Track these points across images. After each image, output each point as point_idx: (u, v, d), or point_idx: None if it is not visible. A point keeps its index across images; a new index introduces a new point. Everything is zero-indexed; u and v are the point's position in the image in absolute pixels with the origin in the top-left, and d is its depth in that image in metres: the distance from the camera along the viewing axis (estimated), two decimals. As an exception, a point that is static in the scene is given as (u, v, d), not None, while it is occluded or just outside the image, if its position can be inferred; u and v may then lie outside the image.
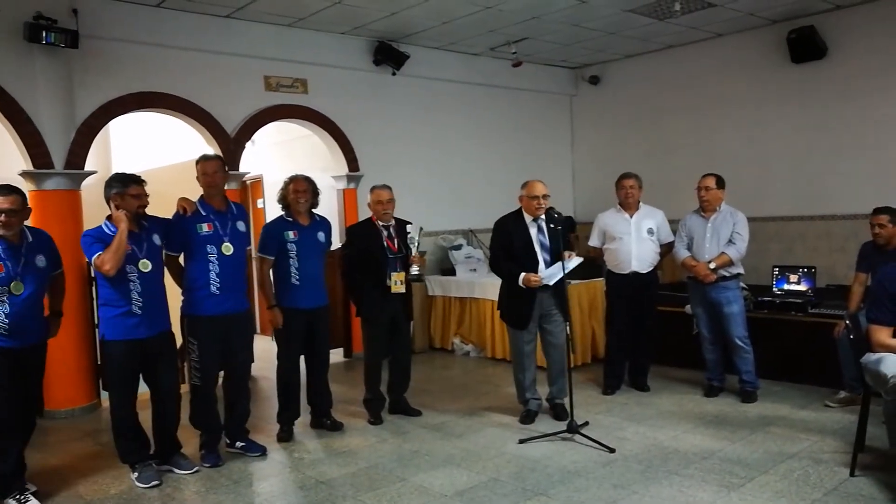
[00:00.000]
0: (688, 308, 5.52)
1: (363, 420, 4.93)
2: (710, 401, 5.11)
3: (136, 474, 3.97)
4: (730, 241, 5.02)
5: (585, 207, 8.67)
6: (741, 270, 5.11)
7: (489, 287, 6.75)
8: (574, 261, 4.50)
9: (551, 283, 4.52)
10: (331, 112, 6.95)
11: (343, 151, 7.06)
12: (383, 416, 4.97)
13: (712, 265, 4.98)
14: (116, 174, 3.96)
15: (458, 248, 7.53)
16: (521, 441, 4.35)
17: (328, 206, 6.84)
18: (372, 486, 3.78)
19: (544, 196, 4.59)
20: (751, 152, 7.32)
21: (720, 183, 5.12)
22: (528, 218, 4.65)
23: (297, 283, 4.52)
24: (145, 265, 3.85)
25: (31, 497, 3.68)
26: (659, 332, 5.52)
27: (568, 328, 4.44)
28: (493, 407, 5.15)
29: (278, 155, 8.30)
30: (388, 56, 7.10)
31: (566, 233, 4.75)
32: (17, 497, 3.63)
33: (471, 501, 3.54)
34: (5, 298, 3.54)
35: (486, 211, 8.24)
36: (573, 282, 5.84)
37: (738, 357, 5.06)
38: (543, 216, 4.62)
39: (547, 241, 4.62)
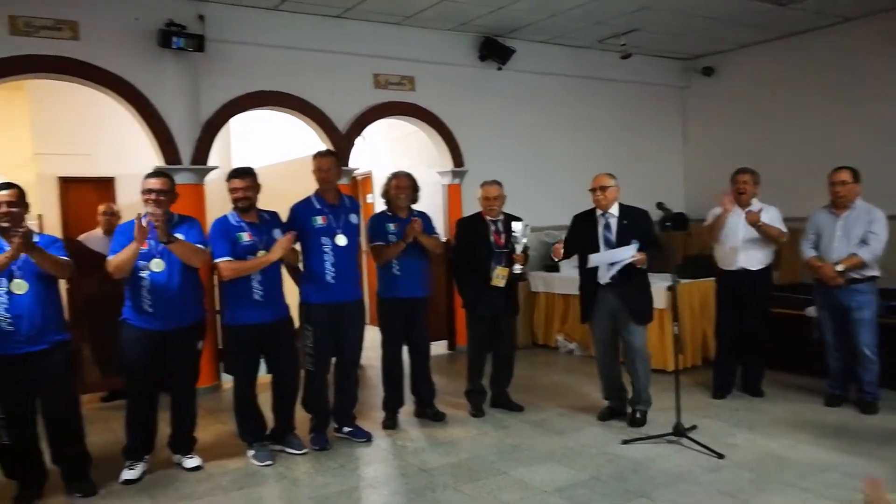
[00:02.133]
0: (809, 311, 5.21)
1: (465, 412, 4.99)
2: (830, 410, 4.80)
3: (252, 452, 4.21)
4: (862, 241, 4.63)
5: (697, 203, 8.32)
6: (876, 273, 4.67)
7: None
8: (621, 252, 4.34)
9: (605, 274, 4.42)
10: (437, 108, 7.05)
11: (448, 147, 7.15)
12: (485, 409, 5.01)
13: (840, 267, 4.62)
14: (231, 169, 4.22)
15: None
16: (625, 441, 4.27)
17: (433, 201, 6.96)
18: (472, 478, 3.83)
19: (602, 188, 4.48)
20: (877, 147, 6.78)
21: (856, 176, 4.72)
22: (598, 213, 4.56)
23: (398, 273, 4.65)
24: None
25: (141, 463, 4.00)
26: (772, 336, 5.24)
27: (676, 328, 4.29)
28: (596, 406, 5.04)
29: (386, 151, 8.52)
30: (494, 51, 7.11)
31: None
32: (130, 464, 3.96)
33: (570, 499, 3.52)
34: (146, 275, 3.85)
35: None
36: (683, 281, 5.64)
37: (861, 366, 4.71)
38: (611, 211, 4.51)
39: (613, 237, 4.48)
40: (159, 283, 3.85)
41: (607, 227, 4.51)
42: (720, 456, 3.96)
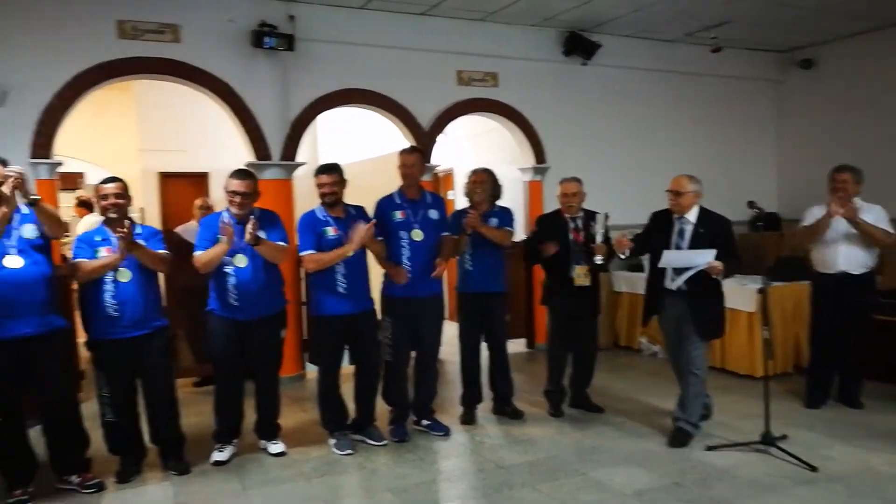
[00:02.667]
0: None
1: (544, 411, 4.95)
2: (939, 426, 4.50)
3: (333, 441, 4.33)
4: None
5: (791, 202, 7.96)
6: None
7: (678, 285, 6.46)
8: (697, 256, 4.04)
9: (677, 279, 4.14)
10: (519, 104, 7.02)
11: (530, 143, 7.11)
12: (564, 409, 4.96)
13: None
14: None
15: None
16: (709, 448, 4.12)
17: (513, 199, 6.92)
18: (550, 477, 3.81)
19: (676, 193, 4.18)
20: None
21: None
22: (674, 216, 4.26)
23: (471, 268, 4.67)
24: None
25: (230, 446, 4.19)
26: (874, 344, 4.93)
27: (766, 332, 4.11)
28: (678, 409, 4.93)
29: (468, 148, 8.54)
30: (579, 46, 7.01)
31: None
32: (219, 447, 4.15)
33: (651, 503, 3.44)
34: (230, 270, 4.01)
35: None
36: (775, 283, 5.40)
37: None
38: (687, 217, 4.19)
39: (685, 245, 4.17)
40: (244, 277, 4.01)
41: (681, 233, 4.23)
42: (813, 468, 3.77)
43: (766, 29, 7.17)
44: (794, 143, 8.34)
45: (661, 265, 4.20)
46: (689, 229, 4.20)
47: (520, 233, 6.19)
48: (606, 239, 4.49)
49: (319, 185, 4.21)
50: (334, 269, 4.16)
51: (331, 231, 4.17)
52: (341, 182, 4.24)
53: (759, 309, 4.79)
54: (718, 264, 4.01)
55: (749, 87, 8.29)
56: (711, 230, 4.16)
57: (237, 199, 3.99)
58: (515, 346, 6.82)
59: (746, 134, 8.33)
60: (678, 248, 4.19)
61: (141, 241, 3.76)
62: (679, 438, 4.22)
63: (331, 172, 4.22)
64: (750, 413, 4.55)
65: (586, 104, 7.40)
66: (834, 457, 3.97)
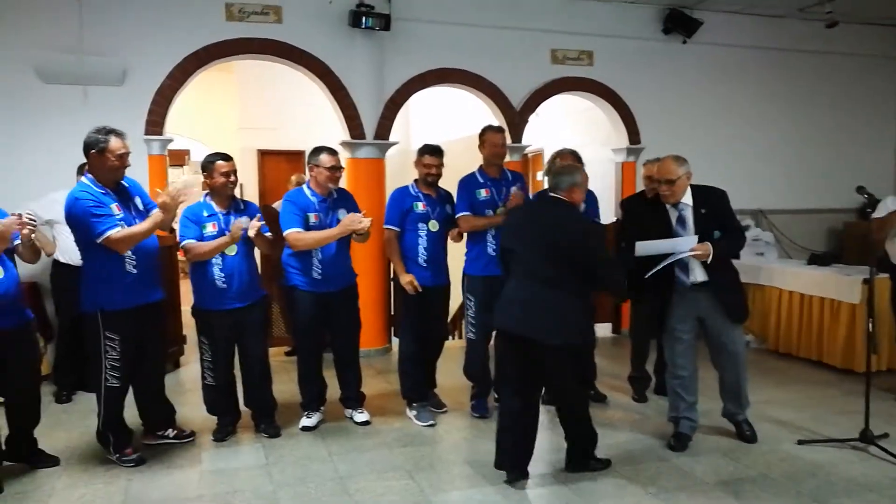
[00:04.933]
0: None
1: (627, 396, 4.90)
2: None
3: (414, 412, 4.46)
4: None
5: (909, 190, 7.44)
6: None
7: (776, 274, 6.20)
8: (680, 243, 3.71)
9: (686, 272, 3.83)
10: (615, 83, 6.86)
11: (625, 124, 6.94)
12: (648, 395, 4.89)
13: None
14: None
15: (745, 229, 6.98)
16: (801, 442, 3.96)
17: (604, 180, 6.82)
18: (631, 461, 3.77)
19: (668, 182, 3.76)
20: None
21: None
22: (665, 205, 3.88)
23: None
24: (434, 225, 4.36)
25: (317, 413, 4.38)
26: None
27: (871, 325, 3.88)
28: (771, 401, 4.72)
29: (559, 127, 8.43)
30: (680, 24, 6.77)
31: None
32: (307, 414, 4.36)
33: (735, 494, 3.36)
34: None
35: (781, 190, 7.57)
36: (882, 275, 5.06)
37: None
38: (684, 201, 3.82)
39: (688, 232, 3.79)
40: (329, 251, 4.17)
41: (681, 220, 3.81)
42: (916, 470, 3.56)
43: (887, 1, 6.66)
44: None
45: (637, 254, 3.70)
46: (689, 214, 3.81)
47: (607, 217, 6.10)
48: None
49: (426, 165, 4.38)
50: (417, 243, 4.34)
51: (420, 206, 4.38)
52: (442, 164, 4.43)
53: (863, 300, 4.51)
54: (703, 248, 3.66)
55: (867, 64, 7.75)
56: (713, 208, 3.80)
57: (337, 173, 4.19)
58: (602, 330, 6.75)
59: (862, 114, 7.82)
60: (678, 236, 3.78)
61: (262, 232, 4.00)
62: (752, 434, 4.02)
63: (438, 155, 4.41)
64: (847, 409, 4.33)
65: (685, 84, 7.14)
66: (941, 460, 3.73)
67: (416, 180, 4.46)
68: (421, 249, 4.36)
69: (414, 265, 4.37)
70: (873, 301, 3.89)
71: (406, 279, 4.30)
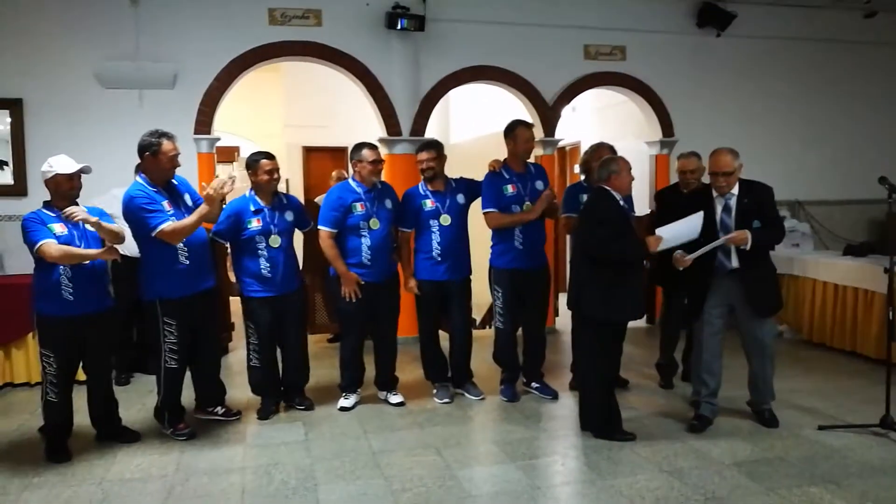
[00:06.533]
0: None
1: (654, 382, 5.03)
2: None
3: (435, 391, 4.76)
4: None
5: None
6: None
7: (810, 265, 6.21)
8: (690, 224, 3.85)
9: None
10: (648, 77, 6.95)
11: (658, 117, 7.02)
12: (675, 382, 5.00)
13: None
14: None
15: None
16: (821, 427, 4.04)
17: (639, 173, 6.87)
18: (649, 442, 3.92)
19: (725, 174, 3.91)
20: None
21: None
22: (714, 193, 4.04)
23: (521, 246, 4.67)
24: (446, 220, 4.56)
25: (354, 395, 4.63)
26: None
27: (891, 313, 3.92)
28: (799, 389, 4.79)
29: (594, 121, 8.53)
30: (713, 17, 6.83)
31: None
32: (345, 395, 4.61)
33: (749, 474, 3.48)
34: (366, 233, 4.42)
35: (817, 181, 7.55)
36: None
37: None
38: (730, 193, 3.99)
39: (731, 223, 3.95)
40: (377, 240, 4.42)
41: (727, 208, 3.99)
42: (934, 455, 3.62)
43: (928, -11, 6.60)
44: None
45: (664, 246, 3.85)
46: (733, 202, 3.99)
47: (642, 209, 6.20)
48: None
49: (419, 162, 4.59)
50: (431, 237, 4.53)
51: (429, 203, 4.57)
52: (439, 158, 4.57)
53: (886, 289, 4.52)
54: (740, 234, 3.83)
55: (907, 54, 7.65)
56: (755, 199, 3.96)
57: (379, 166, 4.45)
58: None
59: (900, 106, 7.72)
60: (724, 224, 3.97)
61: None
62: (772, 419, 4.13)
63: (429, 149, 4.58)
64: (875, 398, 4.33)
65: (719, 76, 7.18)
66: (962, 446, 3.77)
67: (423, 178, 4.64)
68: (434, 244, 4.54)
69: (428, 261, 4.56)
70: (893, 289, 3.94)
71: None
